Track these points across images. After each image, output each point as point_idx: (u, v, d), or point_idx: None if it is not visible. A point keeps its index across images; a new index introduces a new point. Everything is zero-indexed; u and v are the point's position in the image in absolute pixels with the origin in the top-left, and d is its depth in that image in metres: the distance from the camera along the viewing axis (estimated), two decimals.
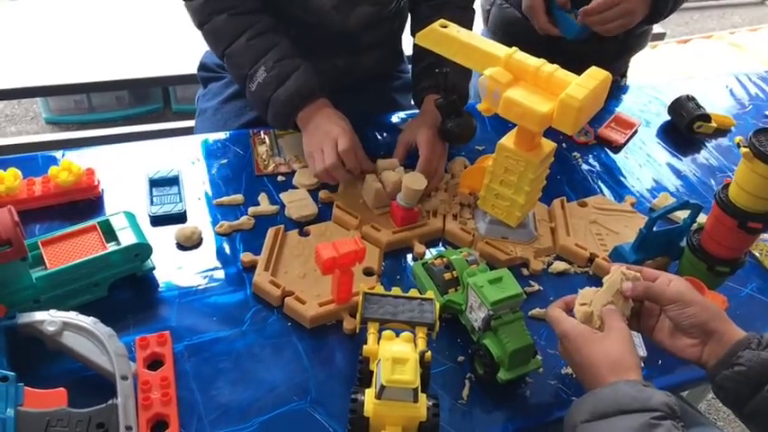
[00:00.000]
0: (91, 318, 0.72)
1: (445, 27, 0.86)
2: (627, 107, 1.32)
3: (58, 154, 1.03)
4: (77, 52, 1.76)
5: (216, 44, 1.06)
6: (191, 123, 1.99)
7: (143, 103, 2.37)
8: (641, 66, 1.35)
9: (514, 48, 0.82)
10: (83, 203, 0.94)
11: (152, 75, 1.66)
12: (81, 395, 0.67)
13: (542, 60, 0.81)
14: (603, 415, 0.59)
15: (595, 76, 0.79)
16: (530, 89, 0.80)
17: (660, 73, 1.38)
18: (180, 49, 1.72)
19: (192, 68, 1.63)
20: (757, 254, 0.99)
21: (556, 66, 0.80)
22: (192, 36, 1.73)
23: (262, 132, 1.11)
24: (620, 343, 0.65)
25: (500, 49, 0.83)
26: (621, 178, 1.12)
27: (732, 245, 0.84)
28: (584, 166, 1.13)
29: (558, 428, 0.68)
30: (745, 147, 0.77)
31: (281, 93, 0.99)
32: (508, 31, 1.31)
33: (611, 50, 1.31)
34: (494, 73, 0.79)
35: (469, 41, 0.84)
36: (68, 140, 1.93)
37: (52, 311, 0.71)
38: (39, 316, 0.71)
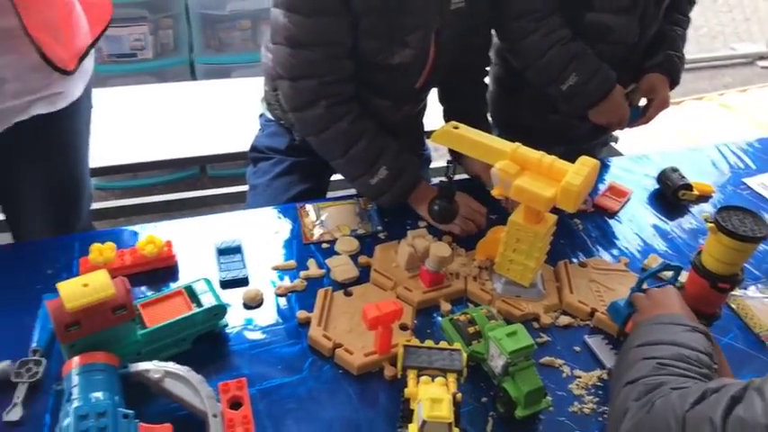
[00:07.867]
0: (185, 367, 0.89)
1: (457, 128, 1.05)
2: (620, 177, 1.50)
3: (137, 228, 1.22)
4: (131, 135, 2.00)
5: (335, 149, 1.24)
6: (226, 190, 2.23)
7: (181, 168, 2.60)
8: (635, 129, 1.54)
9: (517, 143, 1.01)
10: (162, 270, 1.12)
11: (192, 155, 1.92)
12: (179, 430, 0.83)
13: (541, 153, 1.00)
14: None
15: (587, 163, 0.98)
16: (534, 177, 0.99)
17: (653, 134, 1.54)
18: (214, 132, 2.04)
19: (225, 149, 1.91)
20: (734, 307, 1.15)
21: (554, 157, 0.99)
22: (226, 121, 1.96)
23: (306, 206, 1.30)
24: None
25: (506, 145, 1.01)
26: (616, 241, 1.29)
27: (707, 302, 1.00)
28: (584, 232, 1.31)
29: None
30: (711, 222, 0.94)
31: (399, 186, 1.24)
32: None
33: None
34: (503, 165, 0.98)
35: (479, 139, 1.03)
36: (120, 208, 2.15)
37: (155, 362, 0.88)
38: (145, 366, 0.87)
